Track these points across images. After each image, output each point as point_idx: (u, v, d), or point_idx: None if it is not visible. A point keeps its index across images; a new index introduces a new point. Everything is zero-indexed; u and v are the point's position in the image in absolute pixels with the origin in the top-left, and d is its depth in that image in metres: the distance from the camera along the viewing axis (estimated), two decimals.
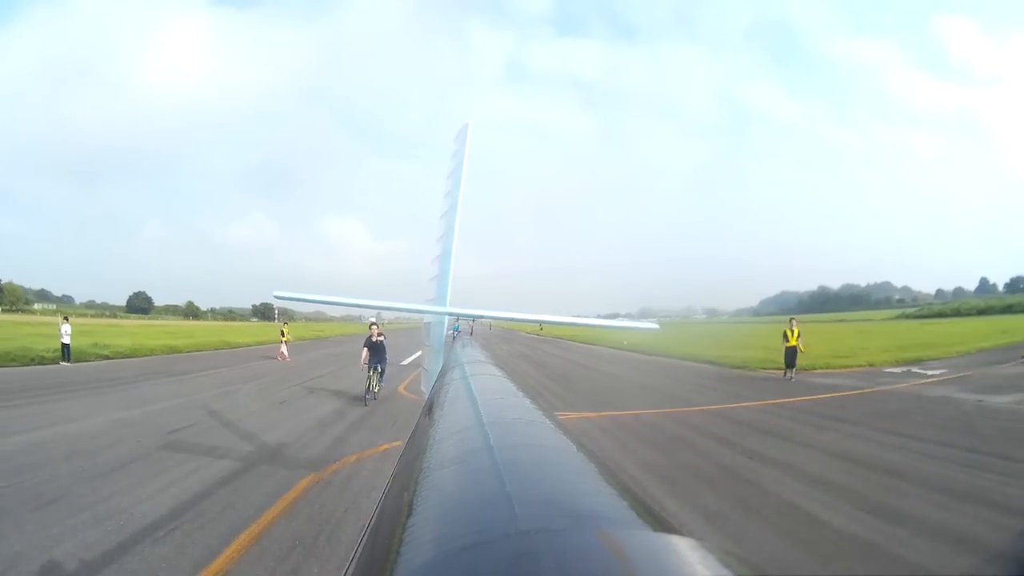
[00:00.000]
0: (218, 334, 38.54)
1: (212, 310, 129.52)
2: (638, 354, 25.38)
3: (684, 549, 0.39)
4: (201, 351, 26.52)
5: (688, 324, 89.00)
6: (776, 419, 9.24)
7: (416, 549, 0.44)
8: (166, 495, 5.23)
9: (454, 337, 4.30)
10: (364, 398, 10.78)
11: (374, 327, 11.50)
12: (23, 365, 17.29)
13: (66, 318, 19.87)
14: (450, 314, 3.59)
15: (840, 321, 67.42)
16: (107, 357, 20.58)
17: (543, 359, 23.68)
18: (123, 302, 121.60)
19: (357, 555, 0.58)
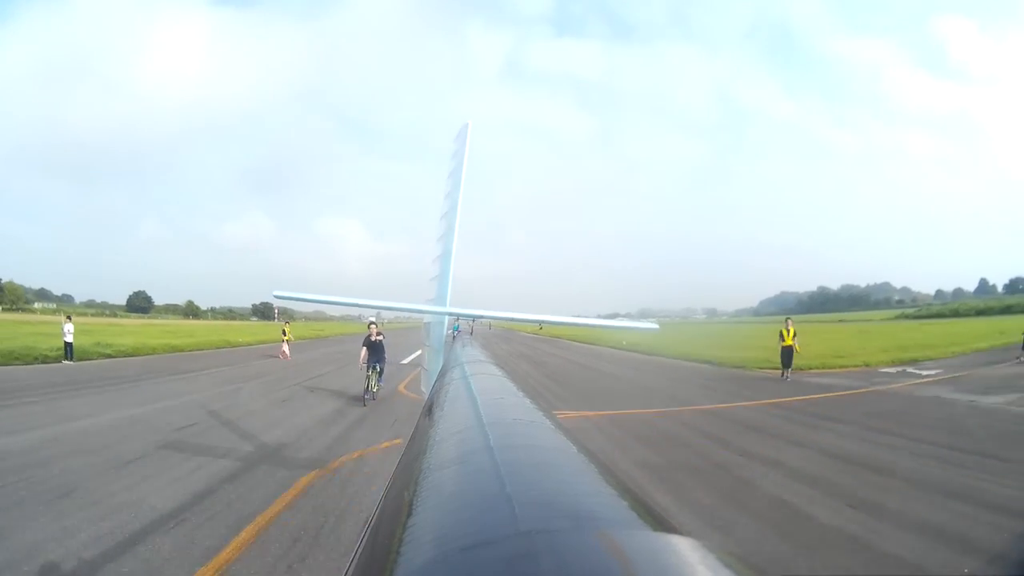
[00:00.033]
0: (219, 333, 38.70)
1: (212, 309, 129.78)
2: (637, 354, 25.55)
3: (684, 549, 0.40)
4: (202, 350, 26.71)
5: (688, 324, 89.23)
6: (769, 418, 9.42)
7: (416, 549, 0.44)
8: (175, 489, 5.40)
9: (454, 337, 4.31)
10: (363, 398, 10.77)
11: (373, 326, 11.45)
12: (27, 364, 17.47)
13: (69, 317, 20.06)
14: (450, 314, 3.60)
15: (840, 321, 67.62)
16: (109, 356, 20.75)
17: (542, 359, 23.85)
18: (123, 301, 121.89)
19: (357, 555, 0.59)
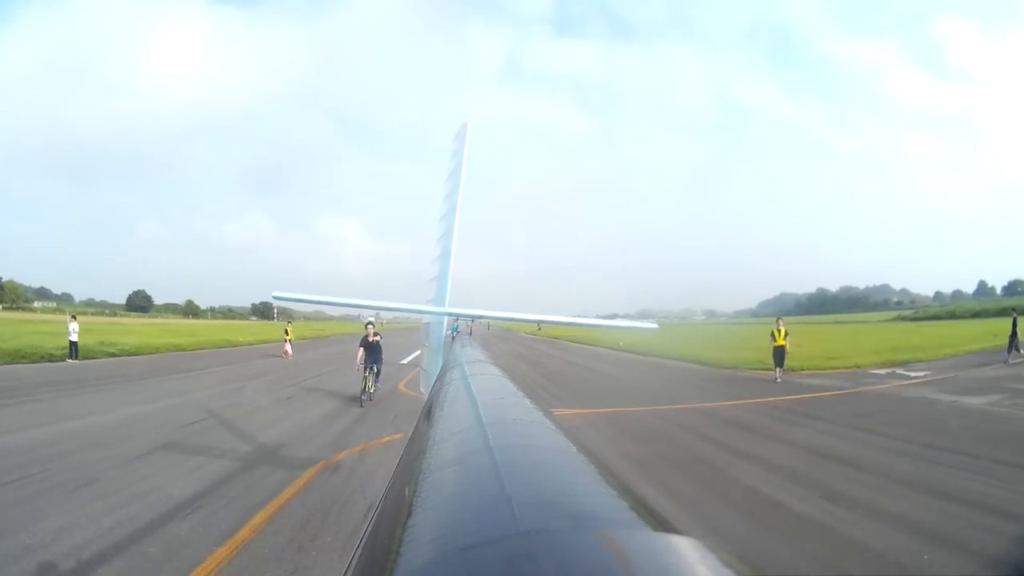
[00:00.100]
0: (220, 332, 39.00)
1: (212, 309, 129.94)
2: (633, 354, 25.89)
3: (684, 549, 0.40)
4: (205, 349, 27.06)
5: (686, 325, 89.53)
6: (755, 416, 9.77)
7: (416, 549, 0.44)
8: (189, 479, 5.75)
9: (453, 337, 4.34)
10: (360, 399, 10.75)
11: (370, 327, 11.43)
12: (33, 362, 17.80)
13: (74, 316, 20.43)
14: (449, 314, 3.60)
15: (837, 323, 68.04)
16: (113, 355, 21.07)
17: (539, 359, 24.18)
18: (122, 300, 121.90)
19: (357, 555, 0.59)
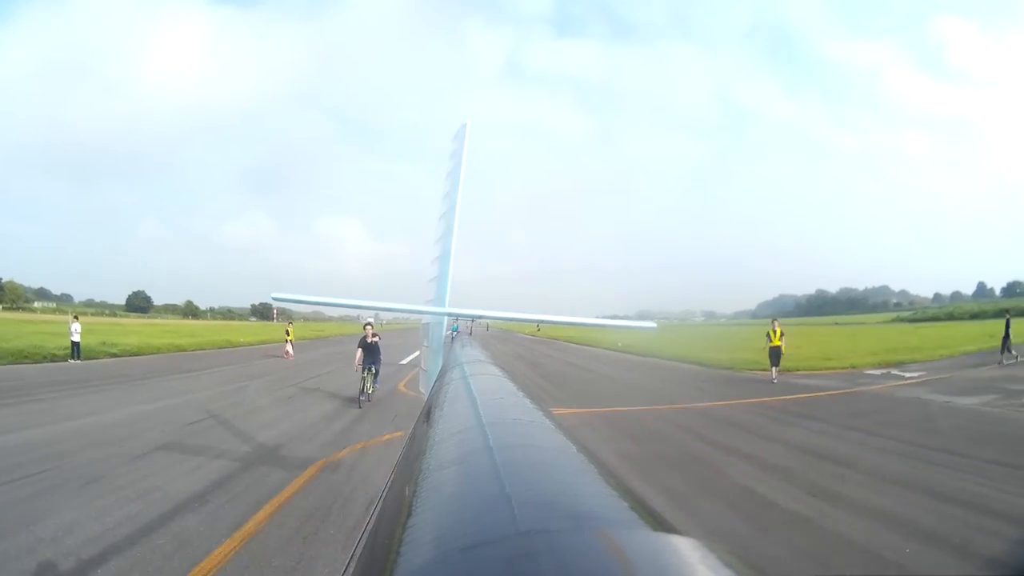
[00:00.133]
0: (220, 333, 39.14)
1: (211, 309, 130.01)
2: (631, 355, 26.05)
3: (684, 549, 0.39)
4: (206, 349, 27.20)
5: (685, 326, 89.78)
6: (749, 416, 9.94)
7: (416, 550, 0.44)
8: (195, 475, 5.91)
9: (452, 338, 4.34)
10: (358, 400, 10.74)
11: (368, 328, 11.40)
12: (35, 362, 17.93)
13: (76, 317, 20.56)
14: (449, 314, 3.61)
15: (835, 324, 68.27)
16: (115, 355, 21.18)
17: (538, 359, 24.33)
18: (121, 301, 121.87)
19: (357, 555, 0.59)
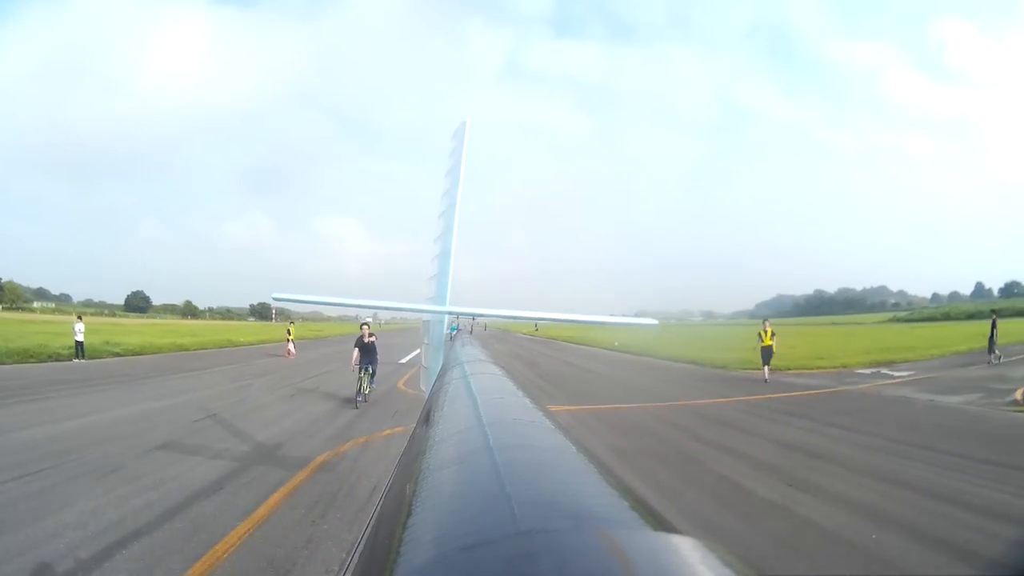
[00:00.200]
0: (221, 333, 39.45)
1: (210, 309, 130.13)
2: (628, 354, 26.42)
3: (684, 549, 0.39)
4: (207, 349, 27.53)
5: (683, 326, 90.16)
6: (736, 413, 10.30)
7: (416, 549, 0.44)
8: (205, 467, 6.24)
9: (452, 337, 4.39)
10: (355, 400, 10.70)
11: (365, 327, 11.44)
12: (40, 362, 18.23)
13: (80, 317, 20.87)
14: (449, 313, 3.64)
15: (832, 324, 68.73)
16: (118, 355, 21.51)
17: (535, 359, 24.67)
18: (120, 301, 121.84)
19: (357, 555, 0.59)
